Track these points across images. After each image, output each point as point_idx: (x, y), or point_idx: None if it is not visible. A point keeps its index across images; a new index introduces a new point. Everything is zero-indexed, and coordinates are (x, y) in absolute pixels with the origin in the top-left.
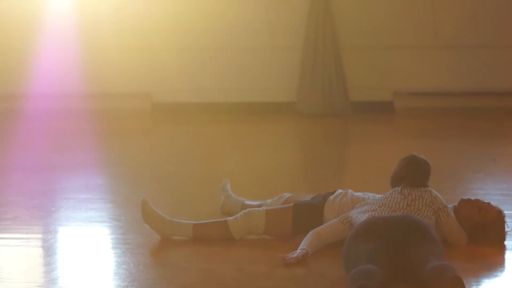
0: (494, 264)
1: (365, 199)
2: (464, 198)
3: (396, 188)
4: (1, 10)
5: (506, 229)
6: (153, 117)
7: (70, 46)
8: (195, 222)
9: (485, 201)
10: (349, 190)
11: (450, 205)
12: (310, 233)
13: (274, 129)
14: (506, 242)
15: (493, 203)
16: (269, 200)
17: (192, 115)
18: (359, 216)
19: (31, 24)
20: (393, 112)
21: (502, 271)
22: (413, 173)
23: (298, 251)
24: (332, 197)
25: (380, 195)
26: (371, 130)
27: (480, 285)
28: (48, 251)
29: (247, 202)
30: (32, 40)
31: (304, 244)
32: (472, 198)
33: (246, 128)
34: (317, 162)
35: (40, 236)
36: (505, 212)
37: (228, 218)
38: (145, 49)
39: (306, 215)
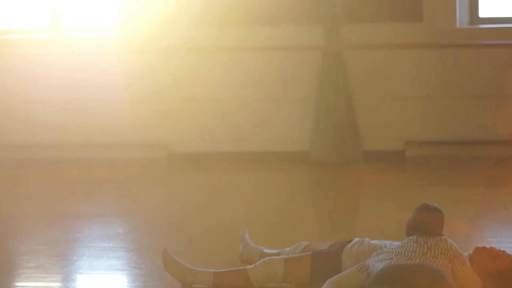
0: None
1: (382, 247)
2: (479, 246)
3: (412, 237)
4: (20, 63)
5: None
6: (169, 166)
7: (85, 96)
8: (215, 271)
9: (500, 249)
10: (366, 239)
11: (465, 254)
12: (328, 281)
13: (288, 178)
14: None
15: (507, 251)
16: (287, 249)
17: (208, 165)
18: (376, 264)
19: (45, 76)
20: (404, 160)
21: None
22: (427, 222)
23: None
24: (349, 245)
25: (397, 243)
26: (383, 179)
27: None
28: None
29: (266, 251)
30: (47, 91)
31: None
32: (487, 246)
33: (261, 177)
34: (331, 210)
35: (63, 284)
36: None
37: (247, 267)
38: (161, 100)
39: (324, 263)
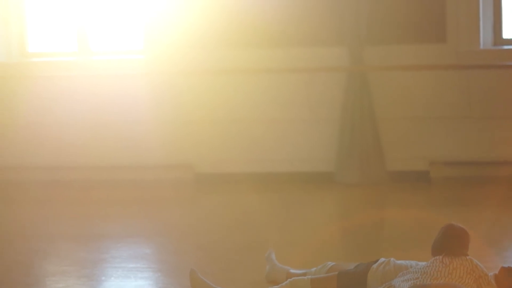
0: None
1: (407, 268)
2: (504, 266)
3: (438, 257)
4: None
5: None
6: (195, 187)
7: (112, 118)
8: None
9: None
10: (392, 259)
11: (490, 273)
12: None
13: (313, 199)
14: None
15: None
16: (314, 269)
17: (233, 185)
18: (402, 284)
19: (73, 99)
20: (429, 181)
21: None
22: (452, 242)
23: None
24: (375, 265)
25: (422, 263)
26: (408, 199)
27: None
28: None
29: (292, 271)
30: (75, 113)
31: None
32: None
33: (286, 197)
34: (356, 231)
35: None
36: None
37: (274, 287)
38: (187, 121)
39: (350, 283)
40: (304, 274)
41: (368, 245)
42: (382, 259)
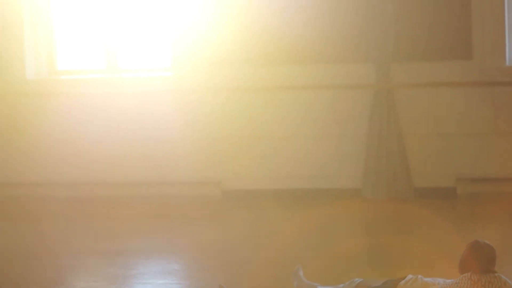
0: None
1: (435, 285)
2: None
3: (466, 274)
4: (77, 102)
5: None
6: (223, 203)
7: (140, 135)
8: None
9: None
10: (419, 276)
11: None
12: None
13: (340, 214)
14: None
15: None
16: (341, 285)
17: (261, 201)
18: None
19: (102, 115)
20: (456, 197)
21: None
22: (479, 259)
23: None
24: (402, 282)
25: (450, 281)
26: (434, 215)
27: None
28: None
29: (320, 287)
30: (103, 130)
31: None
32: None
33: (314, 213)
34: (384, 247)
35: None
36: None
37: None
38: (215, 138)
39: None
40: None
41: (395, 261)
42: (409, 276)
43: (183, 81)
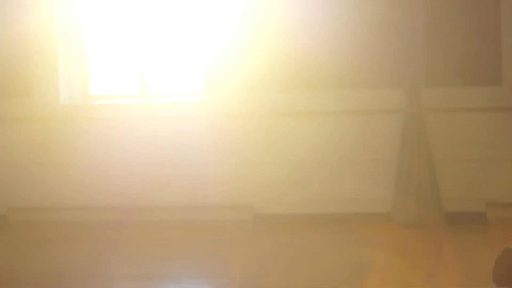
0: None
1: None
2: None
3: None
4: (110, 127)
5: None
6: (255, 228)
7: (172, 159)
8: None
9: None
10: None
11: None
12: None
13: (371, 239)
14: None
15: None
16: None
17: (292, 226)
18: None
19: (134, 140)
20: (486, 222)
21: None
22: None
23: None
24: None
25: None
26: (465, 241)
27: None
28: None
29: None
30: (135, 154)
31: None
32: None
33: (345, 237)
34: (414, 272)
35: None
36: None
37: None
38: (246, 162)
39: None
40: None
41: (428, 286)
42: None
43: (215, 106)
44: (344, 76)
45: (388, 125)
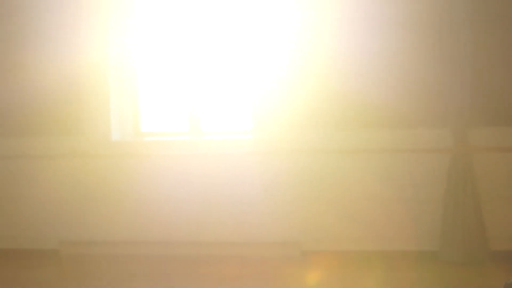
0: None
1: None
2: None
3: None
4: (160, 163)
5: None
6: (302, 264)
7: (221, 196)
8: None
9: None
10: None
11: None
12: None
13: (418, 277)
14: None
15: None
16: None
17: (339, 263)
18: None
19: (184, 176)
20: None
21: None
22: None
23: None
24: None
25: None
26: None
27: None
28: None
29: None
30: (185, 190)
31: None
32: None
33: (391, 275)
34: None
35: None
36: None
37: None
38: (294, 199)
39: None
40: None
41: None
42: None
43: (264, 143)
44: (392, 115)
45: (435, 164)
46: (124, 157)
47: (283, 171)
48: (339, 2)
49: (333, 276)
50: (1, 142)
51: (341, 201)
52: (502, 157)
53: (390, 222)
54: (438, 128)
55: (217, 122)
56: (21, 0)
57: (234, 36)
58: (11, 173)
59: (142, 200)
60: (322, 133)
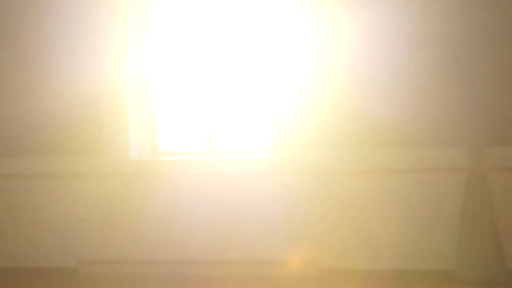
0: None
1: None
2: None
3: None
4: (177, 183)
5: None
6: (319, 283)
7: (239, 215)
8: None
9: None
10: None
11: None
12: None
13: None
14: None
15: None
16: None
17: (356, 281)
18: None
19: (201, 195)
20: None
21: None
22: None
23: None
24: None
25: None
26: None
27: None
28: None
29: None
30: (202, 209)
31: None
32: None
33: None
34: None
35: None
36: None
37: None
38: (311, 218)
39: None
40: None
41: None
42: None
43: (281, 163)
44: (408, 134)
45: (451, 183)
46: (142, 176)
47: (300, 191)
48: (355, 23)
49: None
50: (20, 161)
51: (357, 220)
52: None
53: (406, 241)
54: (454, 147)
55: (234, 142)
56: (39, 21)
57: (252, 57)
58: (30, 193)
59: (160, 219)
60: (338, 153)
